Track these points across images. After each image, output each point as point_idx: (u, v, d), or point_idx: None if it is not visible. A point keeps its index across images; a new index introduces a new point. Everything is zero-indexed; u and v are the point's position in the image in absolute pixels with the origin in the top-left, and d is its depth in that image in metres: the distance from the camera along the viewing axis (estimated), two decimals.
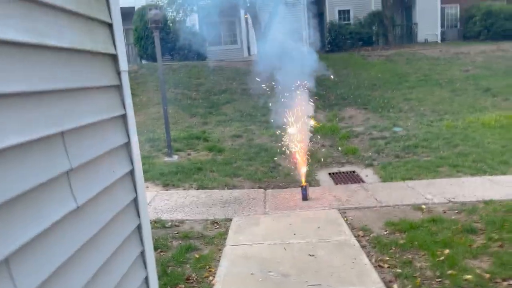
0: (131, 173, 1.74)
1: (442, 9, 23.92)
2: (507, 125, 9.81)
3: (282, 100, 6.96)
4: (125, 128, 1.73)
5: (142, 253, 1.81)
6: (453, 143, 8.81)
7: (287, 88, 6.86)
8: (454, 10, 24.50)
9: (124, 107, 1.73)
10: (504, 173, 6.98)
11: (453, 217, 5.10)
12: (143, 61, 18.65)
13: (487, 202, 5.51)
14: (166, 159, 9.04)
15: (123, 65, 1.72)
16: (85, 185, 1.31)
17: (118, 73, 1.70)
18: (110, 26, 1.65)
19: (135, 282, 1.73)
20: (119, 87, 1.71)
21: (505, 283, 3.44)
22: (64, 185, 1.19)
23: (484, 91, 12.84)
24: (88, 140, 1.37)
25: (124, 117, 1.73)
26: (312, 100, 7.05)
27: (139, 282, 1.76)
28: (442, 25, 24.15)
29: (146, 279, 1.83)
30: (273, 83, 7.46)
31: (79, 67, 1.37)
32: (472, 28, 22.12)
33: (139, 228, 1.78)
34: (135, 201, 1.77)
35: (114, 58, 1.68)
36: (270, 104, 7.36)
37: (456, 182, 6.64)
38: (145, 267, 1.84)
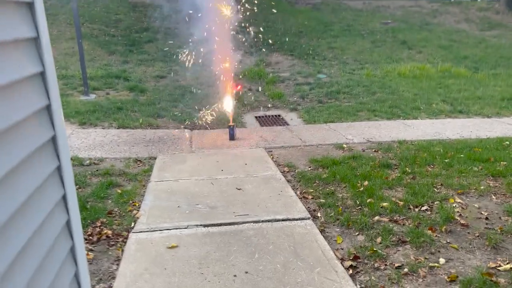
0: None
1: None
2: (419, 75, 10.53)
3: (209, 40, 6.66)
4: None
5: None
6: (371, 91, 9.25)
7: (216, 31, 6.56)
8: None
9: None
10: (415, 118, 7.53)
11: (371, 154, 5.41)
12: None
13: (400, 142, 5.93)
14: (83, 97, 8.35)
15: None
16: None
17: None
18: None
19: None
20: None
21: (416, 209, 3.75)
22: None
23: (401, 43, 13.52)
24: None
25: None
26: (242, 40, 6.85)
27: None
28: None
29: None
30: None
31: None
32: None
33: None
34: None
35: None
36: (195, 45, 7.00)
37: (374, 125, 7.03)
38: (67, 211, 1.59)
